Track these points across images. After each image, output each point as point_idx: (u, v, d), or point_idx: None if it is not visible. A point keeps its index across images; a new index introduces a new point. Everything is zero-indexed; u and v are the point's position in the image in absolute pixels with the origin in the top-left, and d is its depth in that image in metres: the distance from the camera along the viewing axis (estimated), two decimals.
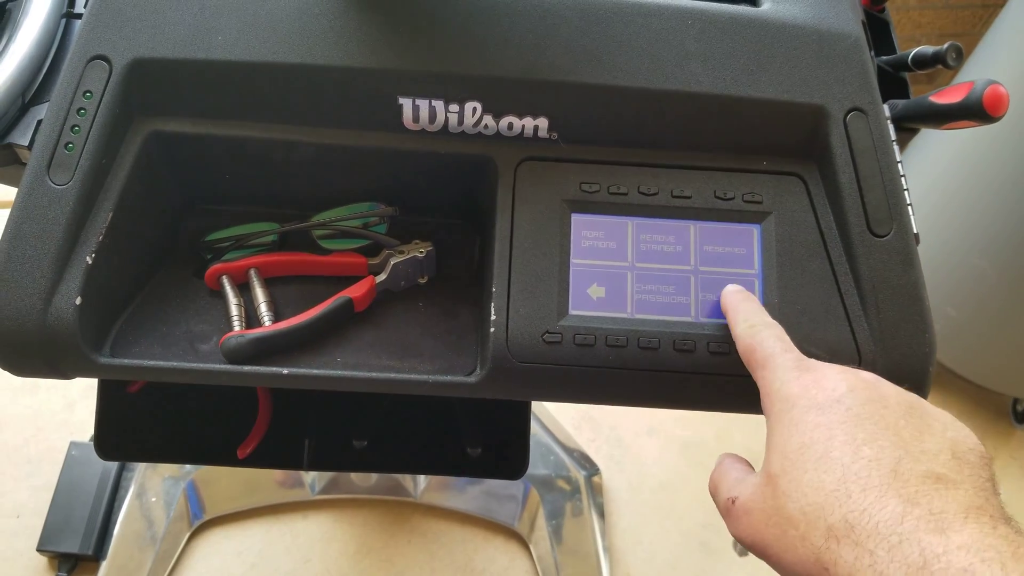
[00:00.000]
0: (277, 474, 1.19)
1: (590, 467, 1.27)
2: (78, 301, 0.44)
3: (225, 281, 0.50)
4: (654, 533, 1.24)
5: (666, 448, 1.33)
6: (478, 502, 1.21)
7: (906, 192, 0.51)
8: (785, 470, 0.33)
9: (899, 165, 0.52)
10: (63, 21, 0.53)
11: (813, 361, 0.38)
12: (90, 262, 0.45)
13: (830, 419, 0.33)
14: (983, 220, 1.17)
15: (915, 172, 1.30)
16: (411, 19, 0.48)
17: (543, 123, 0.49)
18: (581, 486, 1.23)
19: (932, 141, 1.28)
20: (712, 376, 0.47)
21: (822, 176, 0.50)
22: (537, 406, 1.31)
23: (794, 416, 0.34)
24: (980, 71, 1.16)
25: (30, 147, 0.48)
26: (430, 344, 0.50)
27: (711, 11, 0.50)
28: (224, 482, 1.20)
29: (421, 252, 0.52)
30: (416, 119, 0.49)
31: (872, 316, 0.47)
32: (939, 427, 0.33)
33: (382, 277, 0.51)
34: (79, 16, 0.53)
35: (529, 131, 0.49)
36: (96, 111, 0.46)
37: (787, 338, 0.40)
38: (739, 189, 0.50)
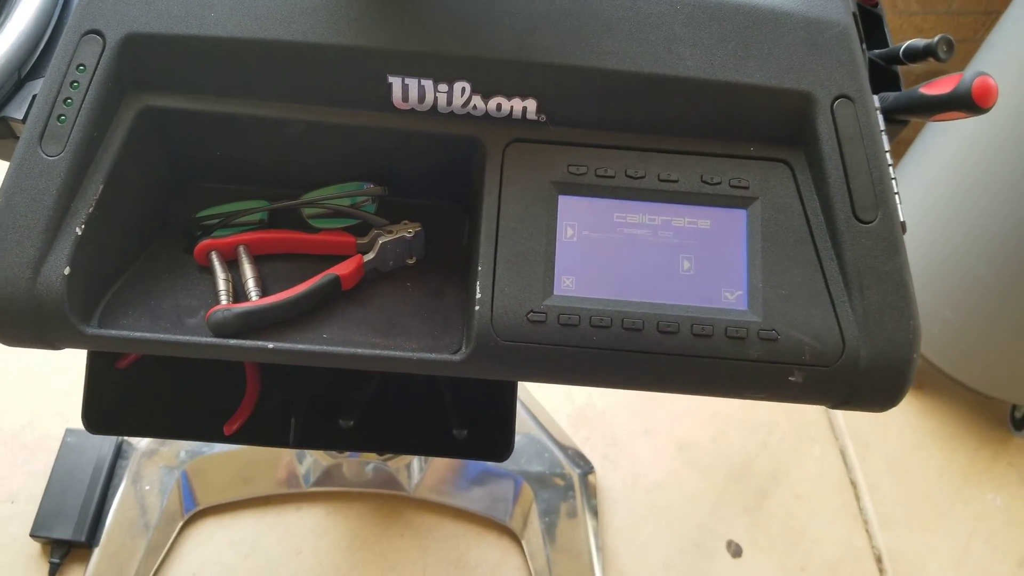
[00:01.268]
0: (271, 465, 1.19)
1: (584, 465, 1.27)
2: (67, 271, 0.45)
3: (214, 257, 0.51)
4: (648, 533, 1.24)
5: (661, 448, 1.33)
6: (472, 498, 1.21)
7: (893, 181, 0.51)
8: None
9: (887, 154, 0.52)
10: None
11: None
12: (79, 233, 0.45)
13: None
14: (982, 224, 1.17)
15: (913, 176, 1.30)
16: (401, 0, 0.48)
17: (532, 105, 0.50)
18: (575, 484, 1.23)
19: (930, 146, 1.28)
20: (695, 358, 0.47)
21: (809, 162, 0.50)
22: (532, 402, 1.31)
23: None
24: None
25: (24, 121, 0.49)
26: (416, 323, 0.51)
27: None
28: (218, 472, 1.20)
29: (409, 232, 0.53)
30: (405, 98, 0.49)
31: (856, 302, 0.47)
32: None
33: (370, 256, 0.52)
34: None
35: (518, 113, 0.50)
36: (89, 84, 0.46)
37: None
38: (726, 174, 0.50)
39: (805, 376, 0.47)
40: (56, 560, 1.11)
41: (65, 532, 1.10)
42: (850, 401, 0.48)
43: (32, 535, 1.10)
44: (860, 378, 0.47)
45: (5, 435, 1.23)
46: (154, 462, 1.18)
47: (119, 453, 1.19)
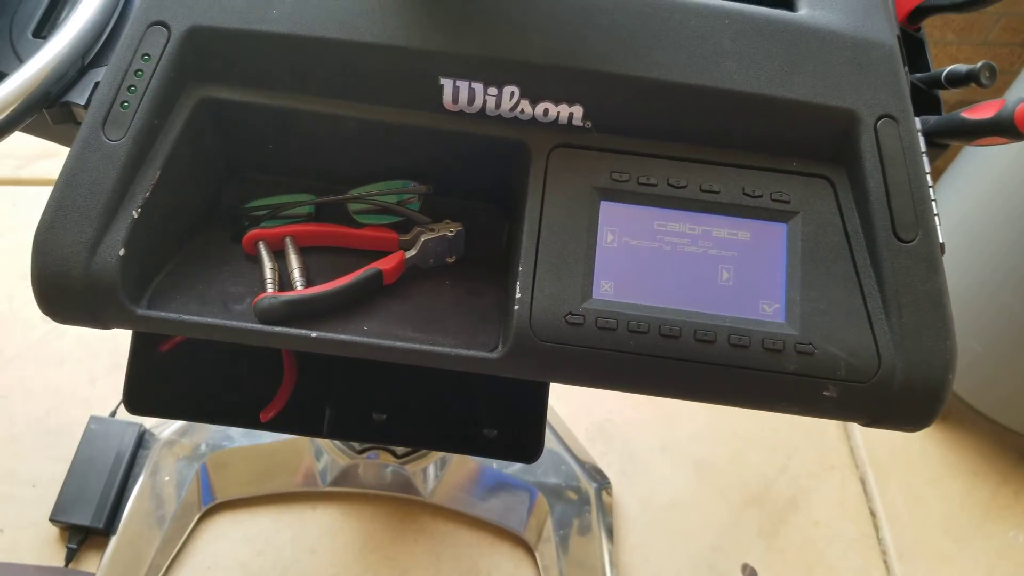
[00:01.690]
0: (290, 463, 1.20)
1: (601, 480, 1.26)
2: (122, 252, 0.46)
3: (261, 246, 0.52)
4: (662, 552, 1.23)
5: (679, 466, 1.33)
6: (487, 506, 1.21)
7: (933, 202, 0.51)
8: None
9: (928, 176, 0.53)
10: None
11: None
12: (136, 216, 0.47)
13: None
14: (1014, 256, 1.16)
15: (944, 205, 1.29)
16: (456, 3, 0.50)
17: (578, 111, 0.51)
18: (591, 498, 1.23)
19: (961, 175, 1.28)
20: (731, 368, 0.47)
21: (850, 180, 0.51)
22: (551, 415, 1.31)
23: None
24: None
25: (86, 107, 0.50)
26: (454, 320, 0.52)
27: (748, 12, 0.51)
28: (237, 467, 1.21)
29: (451, 232, 0.54)
30: (456, 100, 0.50)
31: (894, 320, 0.47)
32: None
33: (412, 253, 0.53)
34: None
35: (564, 118, 0.51)
36: (153, 73, 0.48)
37: None
38: (768, 188, 0.50)
39: (840, 392, 0.47)
40: (73, 546, 1.12)
41: (84, 518, 1.12)
42: (883, 419, 0.49)
43: (51, 519, 1.12)
44: (895, 396, 0.47)
45: (30, 420, 1.25)
46: (175, 453, 1.19)
47: (141, 443, 1.20)
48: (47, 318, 0.47)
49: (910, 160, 0.50)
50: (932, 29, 1.42)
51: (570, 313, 0.47)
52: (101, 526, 1.11)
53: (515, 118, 0.51)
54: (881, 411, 0.48)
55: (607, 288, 0.48)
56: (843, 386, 0.47)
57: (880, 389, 0.47)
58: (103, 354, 1.33)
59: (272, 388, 0.60)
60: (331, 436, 0.61)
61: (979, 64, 0.56)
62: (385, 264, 0.51)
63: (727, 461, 1.33)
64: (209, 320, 0.47)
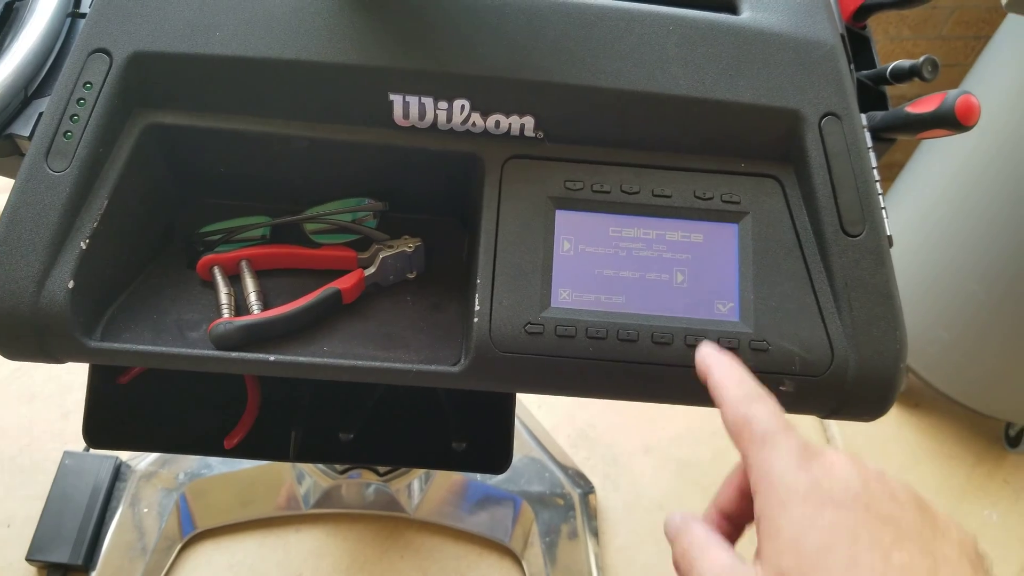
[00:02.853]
0: (271, 487, 1.19)
1: (585, 485, 1.26)
2: (71, 285, 0.45)
3: (216, 271, 0.52)
4: (648, 553, 1.23)
5: (662, 467, 1.33)
6: (472, 519, 1.21)
7: (880, 196, 0.52)
8: (804, 572, 0.29)
9: (874, 170, 0.53)
10: (68, 20, 0.55)
11: (815, 445, 0.34)
12: (84, 247, 0.46)
13: (850, 518, 0.30)
14: (975, 243, 1.18)
15: (907, 197, 1.31)
16: (403, 19, 0.50)
17: (529, 122, 0.51)
18: (576, 504, 1.23)
19: (922, 167, 1.30)
20: (689, 368, 0.47)
21: (798, 178, 0.51)
22: (532, 423, 1.31)
23: (807, 511, 0.31)
24: None
25: (30, 138, 0.50)
26: (416, 336, 0.51)
27: (692, 18, 0.52)
28: (217, 494, 1.20)
29: (410, 247, 0.54)
30: (406, 115, 0.50)
31: (845, 313, 0.48)
32: (951, 529, 0.31)
33: (371, 270, 0.53)
34: (84, 16, 0.55)
35: (516, 130, 0.51)
36: (96, 101, 0.48)
37: (783, 413, 0.35)
38: (718, 189, 0.51)
39: (796, 386, 0.48)
40: None
41: (62, 556, 1.10)
42: (840, 410, 0.49)
43: (28, 559, 1.09)
44: (849, 388, 0.48)
45: (2, 458, 1.23)
46: (153, 484, 1.18)
47: (117, 475, 1.18)
48: None
49: (855, 156, 0.51)
50: (887, 25, 1.44)
51: (529, 323, 0.47)
52: (80, 563, 1.09)
53: (467, 131, 0.51)
54: (837, 403, 0.48)
55: (565, 296, 0.49)
56: (799, 380, 0.47)
57: (835, 382, 0.47)
58: (75, 388, 1.31)
59: (237, 414, 0.59)
60: (298, 459, 0.61)
61: (921, 59, 0.57)
62: (344, 283, 0.51)
63: (709, 460, 1.34)
64: (164, 349, 0.47)
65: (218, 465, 1.19)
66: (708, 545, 0.33)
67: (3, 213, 0.46)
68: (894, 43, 1.51)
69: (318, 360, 0.47)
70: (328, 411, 0.63)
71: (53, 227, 0.46)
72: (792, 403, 0.48)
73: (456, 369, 0.48)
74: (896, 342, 0.47)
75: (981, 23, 1.48)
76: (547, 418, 1.36)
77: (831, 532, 0.30)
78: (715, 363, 0.38)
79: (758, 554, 0.31)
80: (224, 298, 0.50)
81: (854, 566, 0.29)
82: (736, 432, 0.35)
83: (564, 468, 1.27)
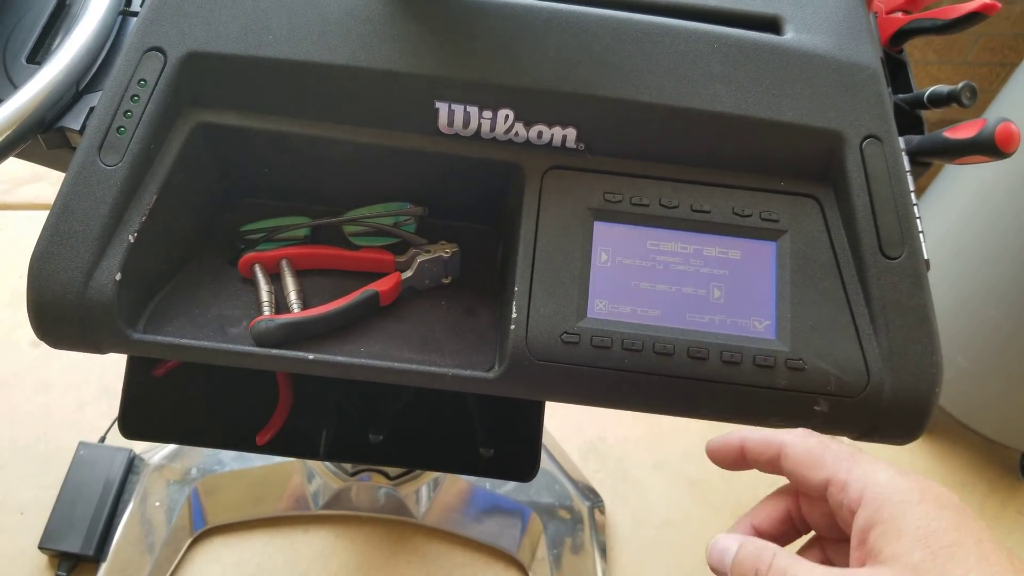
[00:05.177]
0: (281, 486, 1.19)
1: (594, 498, 1.26)
2: (118, 277, 0.46)
3: (257, 269, 0.52)
4: (656, 570, 1.23)
5: (672, 484, 1.33)
6: (480, 527, 1.21)
7: (918, 220, 0.52)
8: (938, 564, 0.30)
9: (912, 194, 0.54)
10: (120, 18, 0.56)
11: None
12: (132, 241, 0.47)
13: (966, 519, 0.32)
14: (997, 271, 1.18)
15: (928, 223, 1.31)
16: (451, 28, 0.51)
17: (571, 133, 0.51)
18: (584, 517, 1.23)
19: (944, 193, 1.30)
20: (723, 384, 0.48)
21: (837, 199, 0.52)
22: (544, 436, 1.31)
23: (928, 510, 0.32)
24: None
25: (81, 132, 0.51)
26: (451, 340, 0.52)
27: (737, 37, 0.53)
28: (229, 491, 1.20)
29: (447, 253, 0.54)
30: (451, 123, 0.51)
31: (882, 335, 0.48)
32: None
33: (408, 274, 0.53)
34: (135, 14, 0.56)
35: (558, 140, 0.52)
36: (149, 99, 0.49)
37: None
38: (757, 207, 0.51)
39: (830, 406, 0.48)
40: (63, 573, 1.11)
41: (73, 545, 1.10)
42: (872, 433, 0.49)
43: (40, 547, 1.10)
44: (883, 410, 0.48)
45: (18, 447, 1.23)
46: (165, 478, 1.18)
47: (131, 468, 1.19)
48: (34, 344, 0.47)
49: (895, 179, 0.51)
50: (914, 50, 1.45)
51: (565, 332, 0.48)
52: (91, 553, 1.10)
53: (509, 141, 0.52)
54: (870, 425, 0.48)
55: (601, 307, 0.49)
56: (833, 401, 0.48)
57: (869, 403, 0.47)
58: (91, 379, 1.32)
59: (267, 411, 0.60)
60: (328, 458, 0.61)
61: (960, 85, 0.57)
62: (381, 286, 0.52)
63: (720, 478, 1.34)
64: (205, 344, 0.47)
65: (230, 462, 1.20)
66: (798, 561, 0.34)
67: (55, 205, 0.47)
68: (920, 67, 1.51)
69: (357, 360, 0.48)
70: (358, 412, 0.63)
71: (103, 220, 0.46)
72: (825, 424, 0.48)
73: (491, 375, 0.48)
74: (932, 366, 0.48)
75: (1007, 50, 1.48)
76: (557, 429, 1.36)
77: (956, 529, 0.31)
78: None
79: (870, 561, 0.32)
80: (265, 296, 0.51)
81: (984, 559, 0.30)
82: (815, 459, 0.36)
83: (574, 481, 1.27)
